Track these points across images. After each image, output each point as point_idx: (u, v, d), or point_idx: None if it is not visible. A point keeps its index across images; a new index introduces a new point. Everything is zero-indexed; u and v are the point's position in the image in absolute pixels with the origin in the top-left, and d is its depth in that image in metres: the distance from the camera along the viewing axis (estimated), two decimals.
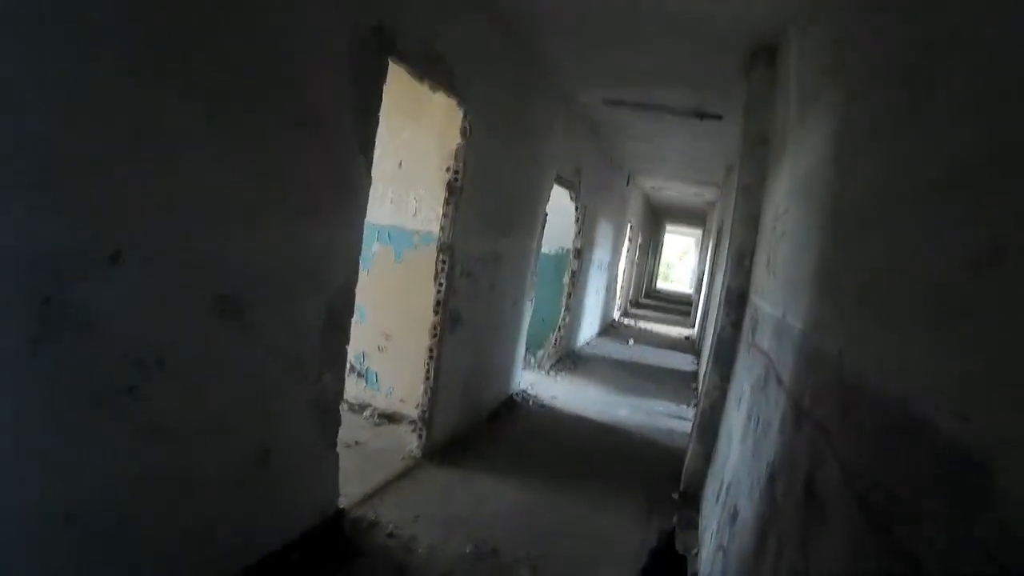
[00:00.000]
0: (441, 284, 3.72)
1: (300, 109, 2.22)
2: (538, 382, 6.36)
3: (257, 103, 2.01)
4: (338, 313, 2.66)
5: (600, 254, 8.87)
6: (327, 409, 2.73)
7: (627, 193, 10.69)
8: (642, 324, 13.03)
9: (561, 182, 5.94)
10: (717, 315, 4.15)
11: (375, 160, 2.77)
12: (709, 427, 3.76)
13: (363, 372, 4.90)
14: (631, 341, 10.00)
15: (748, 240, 3.41)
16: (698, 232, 19.44)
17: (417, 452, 3.97)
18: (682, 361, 9.20)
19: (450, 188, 3.66)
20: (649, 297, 20.47)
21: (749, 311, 3.26)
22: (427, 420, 3.95)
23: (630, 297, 15.02)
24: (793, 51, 3.02)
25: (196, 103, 1.78)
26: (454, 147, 3.65)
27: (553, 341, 7.12)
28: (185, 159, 1.78)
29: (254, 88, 1.99)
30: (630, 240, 12.76)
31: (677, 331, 12.92)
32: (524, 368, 6.61)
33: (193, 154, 1.80)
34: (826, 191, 1.89)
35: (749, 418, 2.56)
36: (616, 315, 12.67)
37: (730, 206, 6.63)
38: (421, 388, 3.91)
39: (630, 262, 13.50)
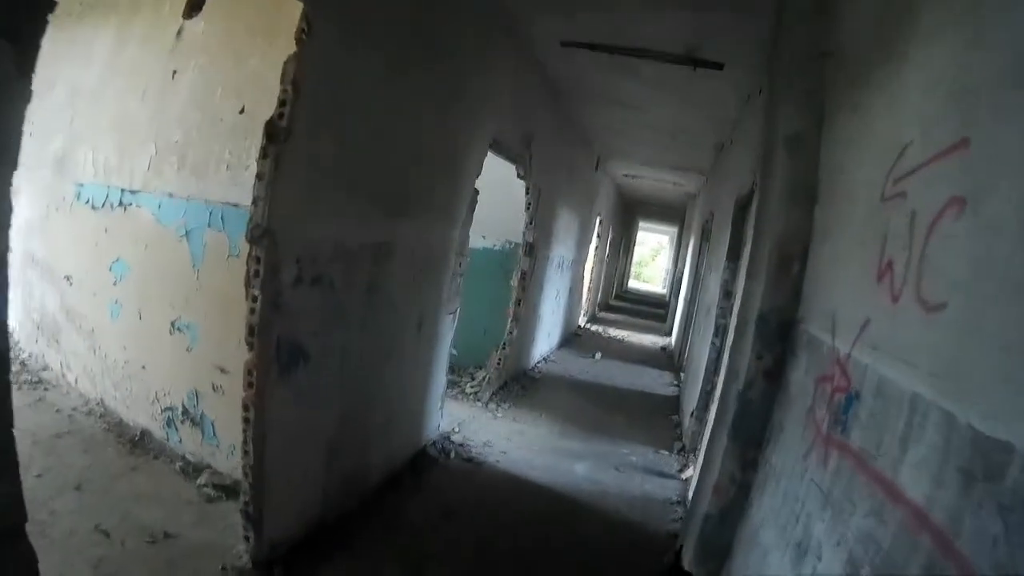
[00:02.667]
0: (255, 298, 2.10)
1: None
2: (471, 419, 4.76)
3: None
4: None
5: (561, 250, 7.31)
6: None
7: (596, 180, 9.18)
8: (612, 331, 11.54)
9: (502, 150, 4.32)
10: (730, 343, 2.67)
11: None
12: (716, 543, 2.25)
13: (197, 420, 3.26)
14: (598, 355, 8.49)
15: (799, 229, 1.89)
16: (673, 229, 18.11)
17: (245, 559, 2.42)
18: (658, 381, 7.72)
19: (270, 131, 2.03)
20: (620, 299, 19.02)
21: (808, 357, 1.74)
22: (254, 516, 2.36)
23: (599, 300, 13.53)
24: None
25: None
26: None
27: (496, 361, 5.52)
28: None
29: None
30: (599, 236, 11.25)
31: (651, 339, 11.48)
32: (456, 398, 5.03)
33: None
34: None
35: None
36: (582, 321, 11.15)
37: (723, 191, 5.17)
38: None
39: (599, 260, 11.98)
